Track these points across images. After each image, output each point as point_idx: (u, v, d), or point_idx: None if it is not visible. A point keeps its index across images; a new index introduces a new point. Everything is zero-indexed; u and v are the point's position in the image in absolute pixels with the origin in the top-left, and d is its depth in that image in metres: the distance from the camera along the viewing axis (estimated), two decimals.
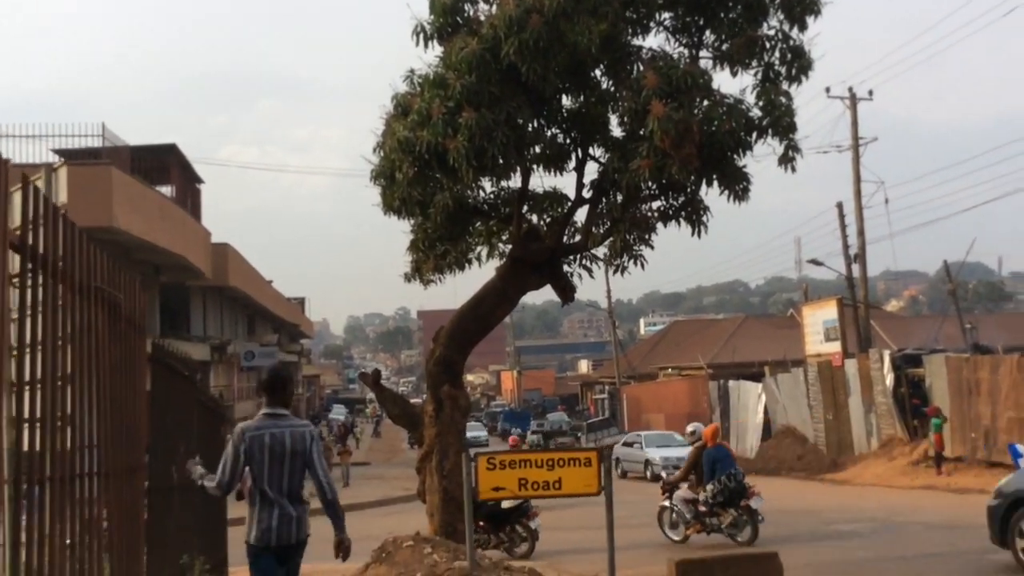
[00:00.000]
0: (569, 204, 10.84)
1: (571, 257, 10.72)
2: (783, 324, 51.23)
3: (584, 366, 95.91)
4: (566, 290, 10.51)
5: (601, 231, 10.38)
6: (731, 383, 33.80)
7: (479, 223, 10.75)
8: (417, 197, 9.89)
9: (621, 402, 47.62)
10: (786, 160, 9.30)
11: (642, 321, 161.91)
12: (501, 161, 9.14)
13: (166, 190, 32.88)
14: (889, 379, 24.13)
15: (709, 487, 12.13)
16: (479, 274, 11.68)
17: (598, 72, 10.17)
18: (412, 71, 9.98)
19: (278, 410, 5.45)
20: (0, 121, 28.26)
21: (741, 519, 12.06)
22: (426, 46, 9.34)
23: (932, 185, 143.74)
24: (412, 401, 11.69)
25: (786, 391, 29.99)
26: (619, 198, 9.87)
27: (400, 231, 11.71)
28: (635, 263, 9.95)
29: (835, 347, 28.08)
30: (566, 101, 10.51)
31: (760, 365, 34.75)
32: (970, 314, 41.12)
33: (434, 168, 9.39)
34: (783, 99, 9.19)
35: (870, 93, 29.89)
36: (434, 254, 11.35)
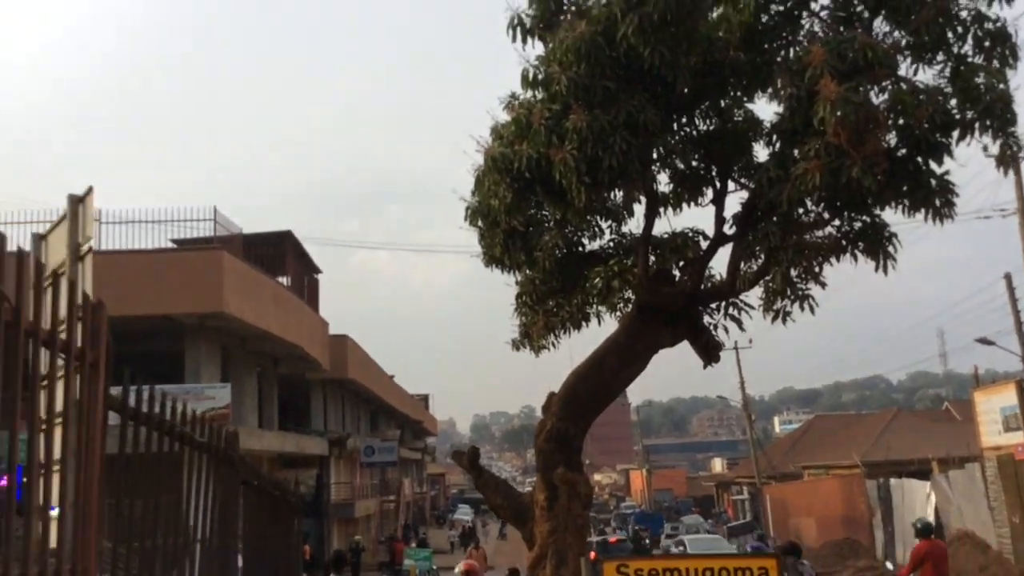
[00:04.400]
0: (708, 243, 8.74)
1: (713, 307, 8.55)
2: (938, 417, 46.90)
3: (718, 465, 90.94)
4: (708, 348, 8.33)
5: (752, 269, 8.20)
6: (893, 481, 29.97)
7: (597, 269, 8.75)
8: (519, 227, 8.04)
9: (764, 503, 43.67)
10: (1006, 161, 6.95)
11: (776, 419, 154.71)
12: (619, 178, 7.18)
13: (282, 280, 32.41)
14: None
15: None
16: (599, 336, 9.62)
17: (737, 87, 8.22)
18: (513, 95, 8.24)
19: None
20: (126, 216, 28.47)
21: None
22: (524, 42, 7.57)
23: None
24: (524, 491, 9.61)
25: (960, 490, 26.08)
26: (772, 224, 7.68)
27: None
28: (800, 306, 7.68)
29: (1018, 438, 24.23)
30: (700, 124, 8.54)
31: (919, 462, 30.98)
32: None
33: (536, 191, 7.54)
34: (994, 81, 6.90)
35: None
36: (544, 310, 9.40)
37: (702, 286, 8.45)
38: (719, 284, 8.39)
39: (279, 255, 32.24)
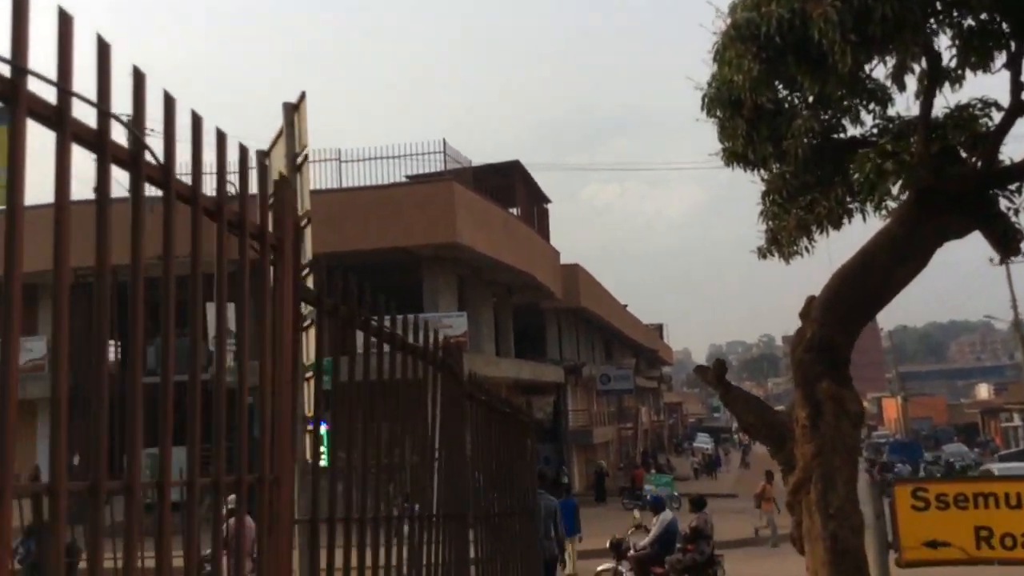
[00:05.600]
0: (1002, 114, 7.21)
1: (1012, 188, 7.07)
2: None
3: (983, 391, 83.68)
4: (1007, 237, 6.90)
5: None
6: None
7: (865, 151, 7.46)
8: (767, 105, 6.96)
9: None
10: None
11: None
12: (894, 33, 5.92)
13: (512, 211, 32.45)
14: None
15: None
16: (860, 239, 8.33)
17: None
18: None
19: (545, 493, 11.51)
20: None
21: None
22: None
23: None
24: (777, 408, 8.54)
25: None
26: None
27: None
28: None
29: None
30: None
31: None
32: None
33: (788, 61, 6.43)
34: None
35: None
36: (796, 208, 8.25)
37: (997, 163, 6.99)
38: (1022, 161, 6.89)
39: (508, 185, 32.30)
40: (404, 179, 27.53)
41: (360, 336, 3.81)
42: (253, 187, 2.70)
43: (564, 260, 37.43)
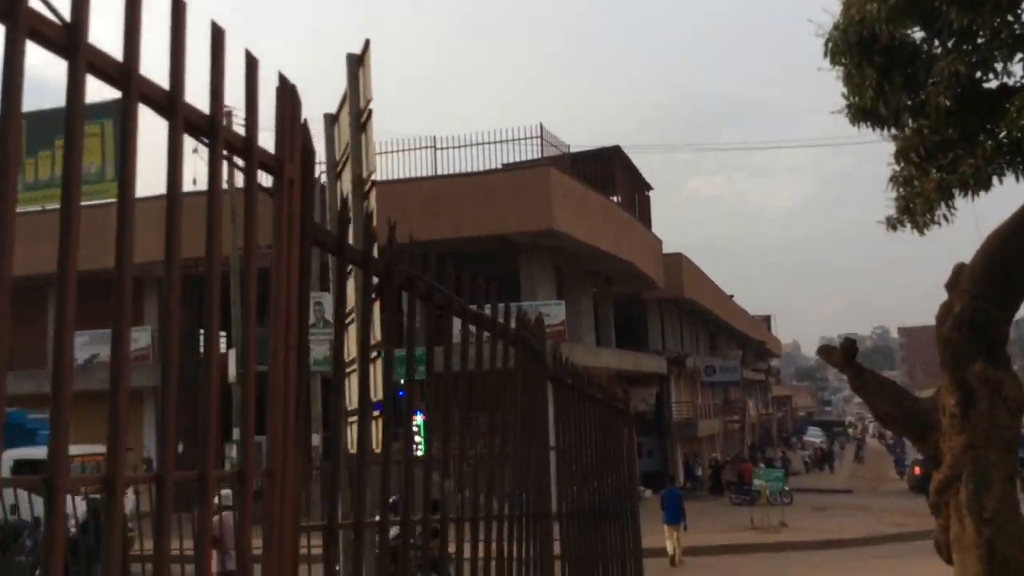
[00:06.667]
0: None
1: None
2: None
3: None
4: None
5: None
6: None
7: (1017, 97, 6.40)
8: (907, 41, 6.01)
9: None
10: None
11: None
12: None
13: (613, 199, 31.50)
14: None
15: None
16: (1015, 202, 7.21)
17: None
18: None
19: None
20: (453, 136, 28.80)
21: None
22: None
23: None
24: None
25: None
26: None
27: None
28: None
29: None
30: None
31: None
32: None
33: None
34: None
35: None
36: (936, 166, 7.21)
37: None
38: None
39: (608, 172, 31.36)
40: (500, 166, 26.96)
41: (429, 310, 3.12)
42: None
43: (667, 250, 36.28)
